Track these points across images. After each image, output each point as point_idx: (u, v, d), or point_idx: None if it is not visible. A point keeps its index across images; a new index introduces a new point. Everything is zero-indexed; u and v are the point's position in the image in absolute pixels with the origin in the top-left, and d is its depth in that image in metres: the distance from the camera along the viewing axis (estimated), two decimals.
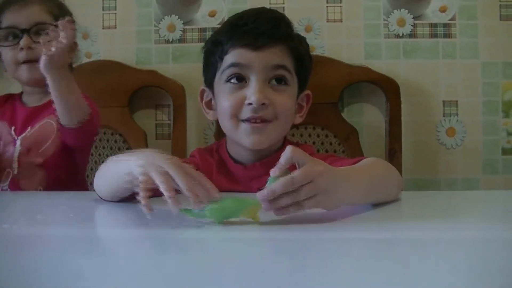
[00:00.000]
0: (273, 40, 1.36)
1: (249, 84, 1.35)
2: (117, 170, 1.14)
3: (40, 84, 1.69)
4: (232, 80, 1.37)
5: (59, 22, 1.43)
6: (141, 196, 0.96)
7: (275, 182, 0.93)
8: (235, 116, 1.36)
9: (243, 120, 1.36)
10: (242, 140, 1.37)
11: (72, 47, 1.76)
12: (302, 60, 1.42)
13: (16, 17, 1.67)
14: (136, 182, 0.99)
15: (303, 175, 0.94)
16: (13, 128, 1.71)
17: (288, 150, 0.95)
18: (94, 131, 1.67)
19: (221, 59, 1.39)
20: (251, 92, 1.33)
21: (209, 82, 1.45)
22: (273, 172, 0.94)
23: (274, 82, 1.36)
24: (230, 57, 1.37)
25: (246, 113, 1.35)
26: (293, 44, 1.40)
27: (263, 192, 0.93)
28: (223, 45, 1.39)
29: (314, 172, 0.95)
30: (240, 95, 1.35)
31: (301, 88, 1.45)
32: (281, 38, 1.37)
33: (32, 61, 1.66)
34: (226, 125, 1.40)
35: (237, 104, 1.35)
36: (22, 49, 1.66)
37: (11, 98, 1.80)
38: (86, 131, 1.61)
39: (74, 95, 1.53)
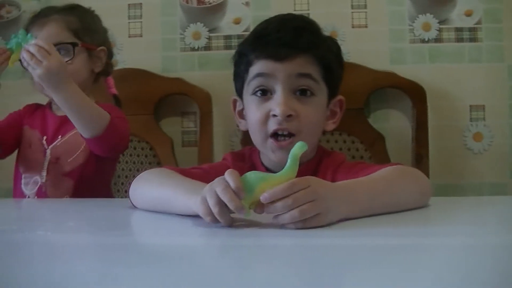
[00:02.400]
0: (296, 51, 1.34)
1: (274, 96, 1.34)
2: (170, 199, 1.18)
3: None
4: (258, 93, 1.36)
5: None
6: (208, 219, 1.02)
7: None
8: (263, 131, 1.35)
9: (270, 136, 1.35)
10: (269, 155, 1.38)
11: (98, 55, 1.79)
12: (330, 67, 1.39)
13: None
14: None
15: (301, 180, 0.99)
16: (44, 137, 1.73)
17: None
18: (118, 139, 1.65)
19: (247, 70, 1.39)
20: (276, 104, 1.32)
21: (239, 92, 1.45)
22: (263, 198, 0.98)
23: (299, 93, 1.35)
24: (255, 68, 1.37)
25: (272, 125, 1.33)
26: (318, 53, 1.36)
27: (264, 196, 0.97)
28: (247, 56, 1.39)
29: (310, 179, 1.00)
30: (266, 108, 1.34)
31: (332, 94, 1.43)
32: (305, 48, 1.34)
33: None
34: (255, 139, 1.41)
35: (264, 118, 1.34)
36: None
37: (40, 107, 1.83)
38: (108, 141, 1.61)
39: (84, 109, 1.56)
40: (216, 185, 1.00)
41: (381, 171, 1.23)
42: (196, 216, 1.10)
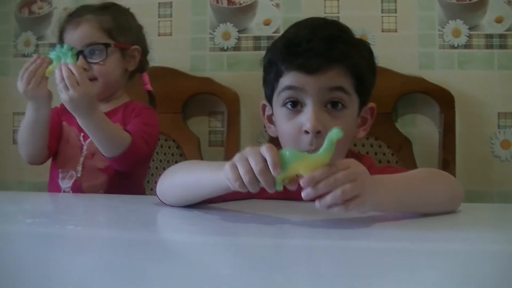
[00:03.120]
0: (328, 62, 1.28)
1: (304, 109, 1.30)
2: (198, 180, 1.19)
3: (99, 98, 1.76)
4: (288, 105, 1.33)
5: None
6: (236, 185, 1.03)
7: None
8: (294, 145, 1.30)
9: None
10: None
11: (132, 53, 1.80)
12: (362, 78, 1.34)
13: (71, 39, 1.73)
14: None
15: (339, 163, 1.00)
16: (81, 134, 1.75)
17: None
18: (137, 158, 1.67)
19: (277, 81, 1.35)
20: (307, 118, 1.27)
21: (269, 98, 1.42)
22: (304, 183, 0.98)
23: (330, 106, 1.30)
24: (285, 80, 1.32)
25: (304, 144, 1.29)
26: (351, 63, 1.31)
27: (304, 179, 0.98)
28: (277, 66, 1.34)
29: (349, 161, 1.01)
30: (296, 123, 1.30)
31: (363, 102, 1.39)
32: (337, 60, 1.29)
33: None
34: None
35: (295, 133, 1.31)
36: None
37: None
38: (127, 160, 1.63)
39: (105, 135, 1.59)
40: (249, 155, 1.02)
41: (413, 171, 1.23)
42: (222, 212, 1.12)
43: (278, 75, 1.34)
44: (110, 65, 1.75)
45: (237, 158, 1.04)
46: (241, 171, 1.01)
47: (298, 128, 1.30)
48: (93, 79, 1.72)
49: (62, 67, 1.50)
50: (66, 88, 1.50)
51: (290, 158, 1.00)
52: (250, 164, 1.01)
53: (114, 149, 1.60)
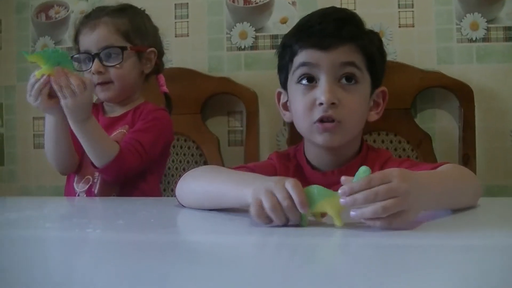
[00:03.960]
0: (339, 40, 1.36)
1: (319, 84, 1.37)
2: (221, 192, 1.18)
3: (115, 101, 1.80)
4: (303, 81, 1.39)
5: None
6: (259, 221, 1.02)
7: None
8: (308, 117, 1.38)
9: (315, 122, 1.37)
10: (315, 138, 1.39)
11: (148, 56, 1.81)
12: (373, 58, 1.41)
13: (87, 42, 1.75)
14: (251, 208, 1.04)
15: (381, 174, 0.97)
16: None
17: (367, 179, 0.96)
18: (123, 172, 1.65)
19: (291, 61, 1.42)
20: (321, 92, 1.34)
21: (283, 84, 1.48)
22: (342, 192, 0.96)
23: (344, 81, 1.37)
24: (299, 58, 1.39)
25: (317, 113, 1.36)
26: (362, 43, 1.39)
27: (343, 188, 0.96)
28: (292, 47, 1.42)
29: (392, 174, 0.97)
30: (311, 97, 1.37)
31: (375, 85, 1.45)
32: (348, 38, 1.37)
33: (104, 83, 1.74)
34: (300, 126, 1.43)
35: (309, 106, 1.37)
36: (93, 73, 1.72)
37: (95, 107, 1.85)
38: (113, 171, 1.63)
39: (92, 141, 1.59)
40: (275, 189, 1.00)
41: (442, 168, 1.23)
42: (244, 212, 1.12)
43: (293, 55, 1.42)
44: (126, 68, 1.75)
45: (262, 192, 1.01)
46: (267, 206, 0.99)
47: (313, 101, 1.37)
48: (109, 82, 1.74)
49: (61, 76, 1.50)
50: (64, 97, 1.50)
51: (317, 196, 0.99)
52: (276, 199, 0.99)
53: (101, 159, 1.60)
